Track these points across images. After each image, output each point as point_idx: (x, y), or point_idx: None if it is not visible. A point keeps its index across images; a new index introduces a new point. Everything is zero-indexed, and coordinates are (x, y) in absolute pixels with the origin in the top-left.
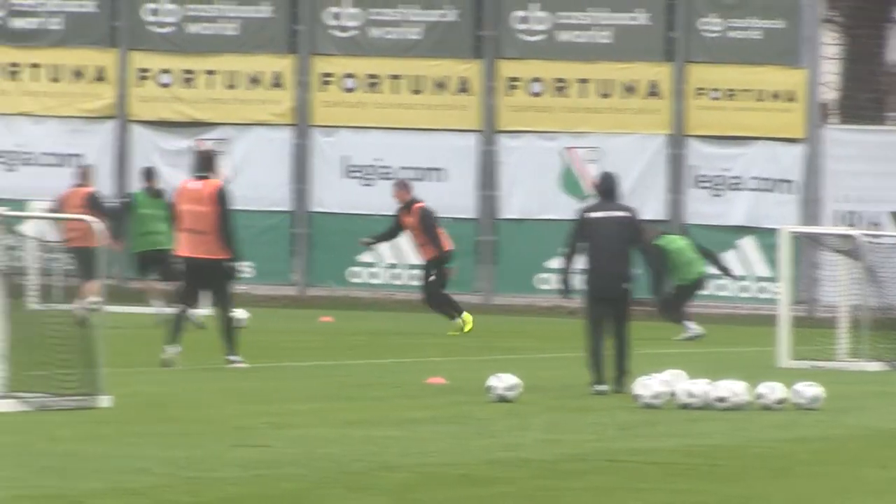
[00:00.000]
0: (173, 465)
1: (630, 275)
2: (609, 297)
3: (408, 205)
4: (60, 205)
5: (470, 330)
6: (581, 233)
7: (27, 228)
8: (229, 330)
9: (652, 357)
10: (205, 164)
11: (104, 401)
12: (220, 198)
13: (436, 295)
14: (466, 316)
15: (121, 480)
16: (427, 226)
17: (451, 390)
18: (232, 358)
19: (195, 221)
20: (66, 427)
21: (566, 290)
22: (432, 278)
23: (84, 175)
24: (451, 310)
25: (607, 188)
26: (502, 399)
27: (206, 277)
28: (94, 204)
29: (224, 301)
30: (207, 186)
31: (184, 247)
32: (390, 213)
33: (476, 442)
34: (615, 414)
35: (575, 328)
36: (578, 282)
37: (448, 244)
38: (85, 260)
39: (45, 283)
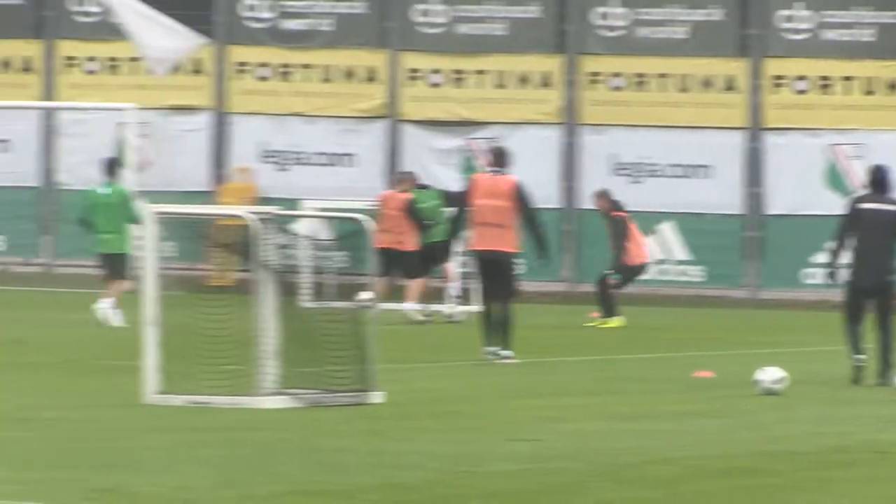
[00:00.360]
0: (445, 460)
1: (893, 268)
2: (871, 289)
3: (606, 213)
4: (382, 204)
5: (612, 327)
6: (851, 223)
7: (300, 227)
8: (507, 325)
9: None
10: (500, 159)
11: (377, 397)
12: (518, 193)
13: (607, 289)
14: (618, 320)
15: (392, 475)
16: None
17: (719, 384)
18: (504, 353)
19: (492, 216)
20: (338, 423)
21: (833, 280)
22: (614, 278)
23: (401, 181)
24: (608, 308)
25: (878, 180)
26: (769, 392)
27: (498, 270)
28: (410, 210)
29: (509, 296)
30: (504, 182)
31: (478, 241)
32: (654, 210)
33: (743, 434)
34: (880, 406)
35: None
36: (844, 273)
37: (638, 258)
38: (407, 260)
39: (317, 282)
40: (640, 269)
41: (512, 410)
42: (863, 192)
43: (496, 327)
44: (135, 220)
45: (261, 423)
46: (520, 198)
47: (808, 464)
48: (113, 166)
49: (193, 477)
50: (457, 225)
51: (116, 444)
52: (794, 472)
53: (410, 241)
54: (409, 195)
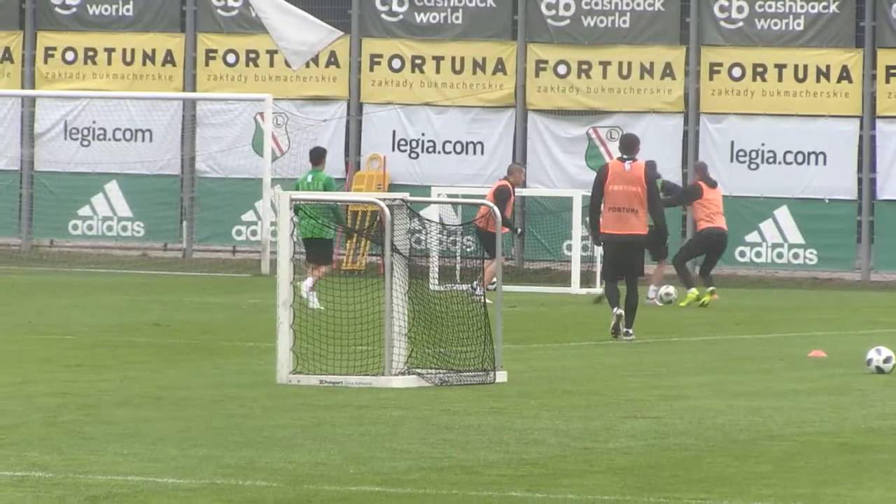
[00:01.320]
0: (567, 437)
1: None
2: None
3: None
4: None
5: (685, 304)
6: None
7: (429, 213)
8: (634, 306)
9: None
10: (631, 146)
11: (501, 376)
12: (648, 178)
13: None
14: (692, 293)
15: (517, 451)
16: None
17: (831, 363)
18: (628, 331)
19: (625, 200)
20: (464, 402)
21: None
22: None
23: (510, 172)
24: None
25: None
26: (880, 371)
27: (629, 253)
28: (498, 195)
29: (637, 277)
30: (635, 168)
31: (611, 225)
32: (771, 196)
33: (854, 412)
34: None
35: None
36: None
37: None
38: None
39: (446, 265)
40: (710, 236)
41: (631, 389)
42: None
43: (624, 308)
44: (337, 207)
45: (390, 401)
46: (649, 183)
47: None
48: (318, 155)
49: (325, 454)
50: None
51: (249, 422)
52: None
53: None
54: (503, 183)
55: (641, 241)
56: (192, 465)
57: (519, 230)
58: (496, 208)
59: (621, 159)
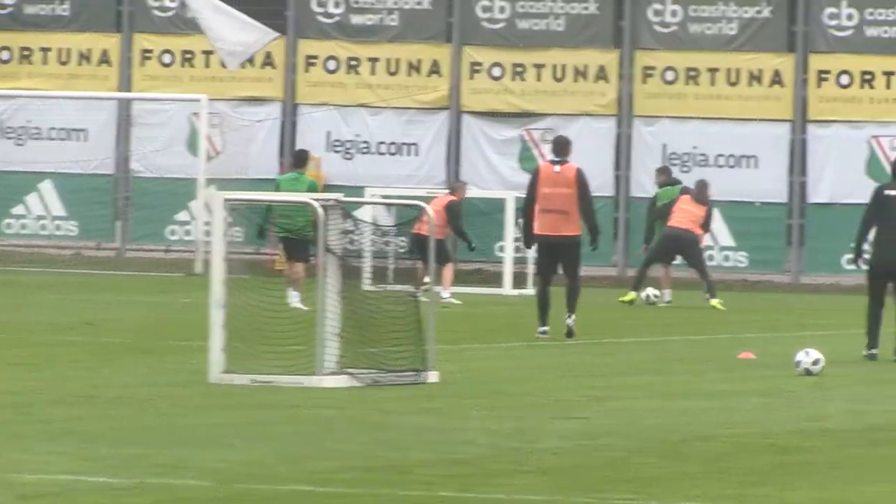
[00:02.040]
0: (498, 437)
1: None
2: (892, 271)
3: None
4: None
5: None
6: (873, 208)
7: (363, 214)
8: (575, 293)
9: None
10: (562, 148)
11: (433, 376)
12: (580, 180)
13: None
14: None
15: (448, 451)
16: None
17: (761, 365)
18: (570, 315)
19: (557, 202)
20: (396, 402)
21: (858, 265)
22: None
23: (454, 189)
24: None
25: None
26: (808, 373)
27: (562, 254)
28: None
29: (575, 275)
30: (565, 170)
31: (543, 226)
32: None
33: (783, 413)
34: None
35: None
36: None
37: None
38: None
39: (378, 266)
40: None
41: (562, 390)
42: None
43: (566, 294)
44: (270, 207)
45: (321, 401)
46: (580, 185)
47: (846, 441)
48: (300, 157)
49: (257, 453)
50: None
51: (181, 421)
52: (832, 450)
53: None
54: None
55: (573, 242)
56: (124, 463)
57: (474, 246)
58: (431, 213)
59: (552, 162)
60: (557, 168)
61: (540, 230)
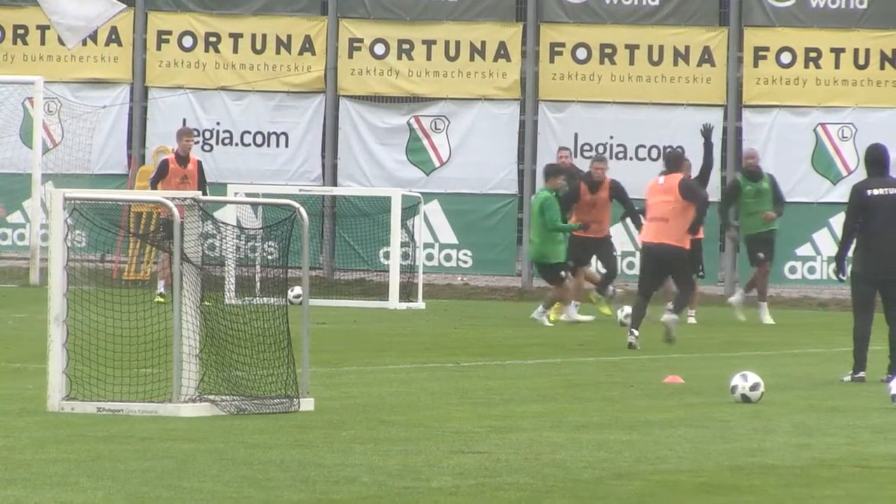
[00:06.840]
0: (384, 474)
1: None
2: (883, 279)
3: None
4: None
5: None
6: (857, 211)
7: (226, 215)
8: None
9: None
10: (672, 162)
11: (307, 404)
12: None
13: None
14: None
15: (325, 490)
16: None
17: (689, 390)
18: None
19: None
20: (264, 433)
21: (841, 277)
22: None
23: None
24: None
25: (877, 160)
26: (746, 399)
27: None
28: None
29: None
30: (668, 180)
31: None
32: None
33: (717, 446)
34: (869, 415)
35: (827, 320)
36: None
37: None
38: None
39: (244, 275)
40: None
41: (458, 419)
42: (865, 177)
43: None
44: (555, 226)
45: (178, 432)
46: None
47: (789, 479)
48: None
49: (103, 492)
50: None
51: (16, 455)
52: (773, 489)
53: None
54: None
55: (680, 253)
56: None
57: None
58: (304, 214)
59: (662, 173)
60: (661, 179)
61: (644, 238)
